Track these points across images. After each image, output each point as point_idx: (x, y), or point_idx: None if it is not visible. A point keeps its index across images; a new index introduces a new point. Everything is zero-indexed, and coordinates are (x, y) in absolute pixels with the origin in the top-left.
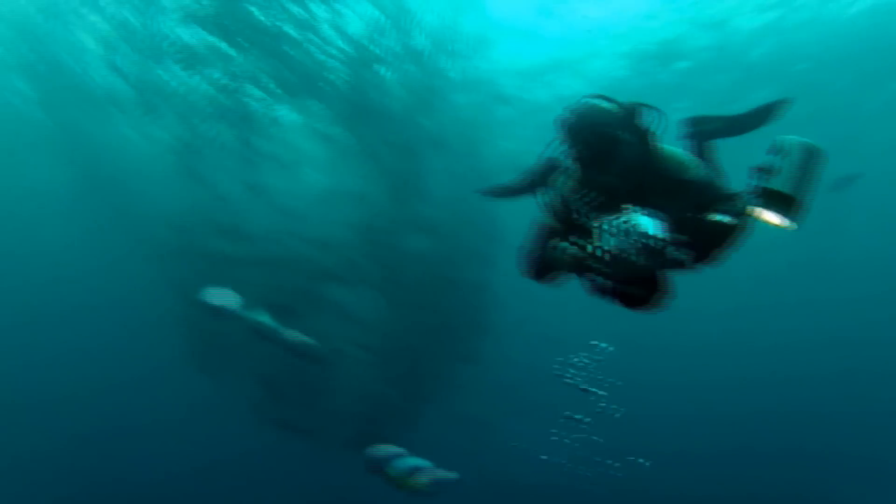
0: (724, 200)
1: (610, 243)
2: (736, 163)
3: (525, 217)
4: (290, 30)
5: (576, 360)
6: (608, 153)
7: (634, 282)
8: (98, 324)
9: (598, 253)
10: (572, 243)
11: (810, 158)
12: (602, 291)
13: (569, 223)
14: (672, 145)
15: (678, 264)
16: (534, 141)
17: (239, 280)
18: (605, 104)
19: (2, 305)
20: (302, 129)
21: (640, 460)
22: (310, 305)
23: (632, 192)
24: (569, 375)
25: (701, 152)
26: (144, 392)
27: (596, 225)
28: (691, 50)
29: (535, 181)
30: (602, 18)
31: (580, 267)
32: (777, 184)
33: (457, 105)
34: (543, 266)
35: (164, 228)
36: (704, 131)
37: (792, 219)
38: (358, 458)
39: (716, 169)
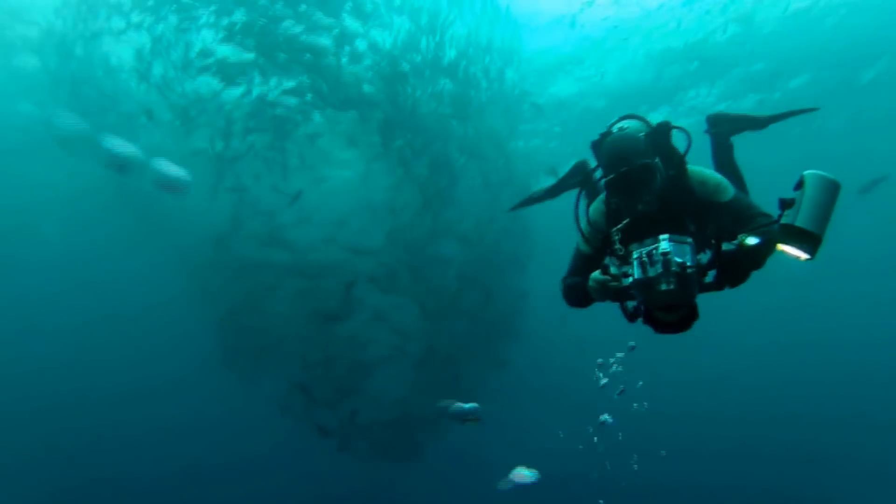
0: (751, 221)
1: (641, 272)
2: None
3: (557, 223)
4: (325, 42)
5: (609, 360)
6: (641, 182)
7: (666, 307)
8: (138, 330)
9: (629, 282)
10: (605, 273)
11: (829, 193)
12: (635, 316)
13: (603, 250)
14: (701, 166)
15: (707, 288)
16: (561, 137)
17: (275, 286)
18: (635, 127)
19: (45, 314)
20: (337, 140)
21: (663, 452)
22: (348, 311)
23: (664, 217)
24: (601, 376)
25: (720, 150)
26: (180, 393)
27: (627, 253)
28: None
29: (561, 188)
30: (625, 16)
31: (615, 295)
32: (795, 218)
33: (488, 113)
34: (582, 296)
35: (201, 238)
36: (725, 128)
37: (808, 253)
38: (385, 465)
39: (736, 174)
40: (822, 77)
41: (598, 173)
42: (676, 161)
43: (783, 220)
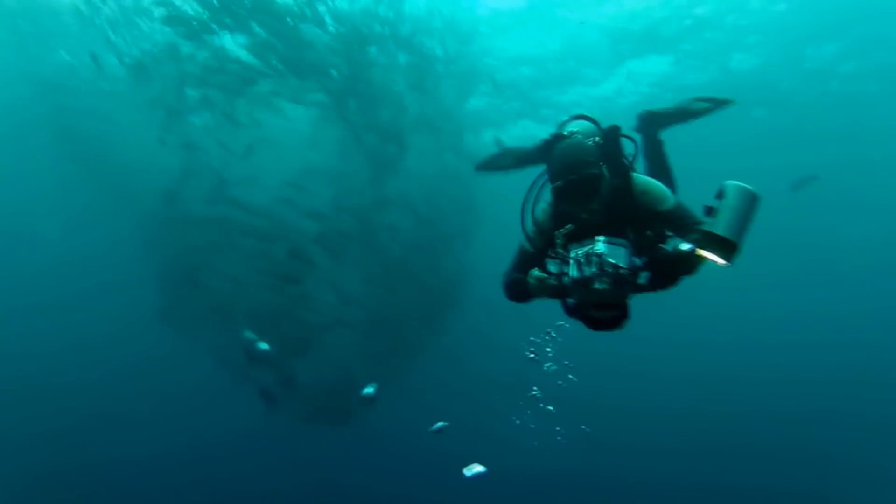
0: (686, 229)
1: (577, 272)
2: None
3: (504, 197)
4: (285, 3)
5: (540, 338)
6: (588, 191)
7: (600, 306)
8: (75, 282)
9: (566, 281)
10: (544, 271)
11: (747, 203)
12: (572, 313)
13: (546, 250)
14: (644, 175)
15: (640, 289)
16: (512, 117)
17: (221, 245)
18: (586, 131)
19: None
20: (289, 102)
21: (583, 426)
22: (293, 274)
23: (606, 223)
24: (532, 350)
25: (651, 147)
26: (117, 346)
27: (566, 253)
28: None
29: (528, 161)
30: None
31: (553, 292)
32: (714, 226)
33: (443, 89)
34: (523, 291)
35: (147, 191)
36: (655, 127)
37: (725, 259)
38: (321, 429)
39: (668, 174)
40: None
41: (547, 176)
42: (622, 170)
43: (703, 228)
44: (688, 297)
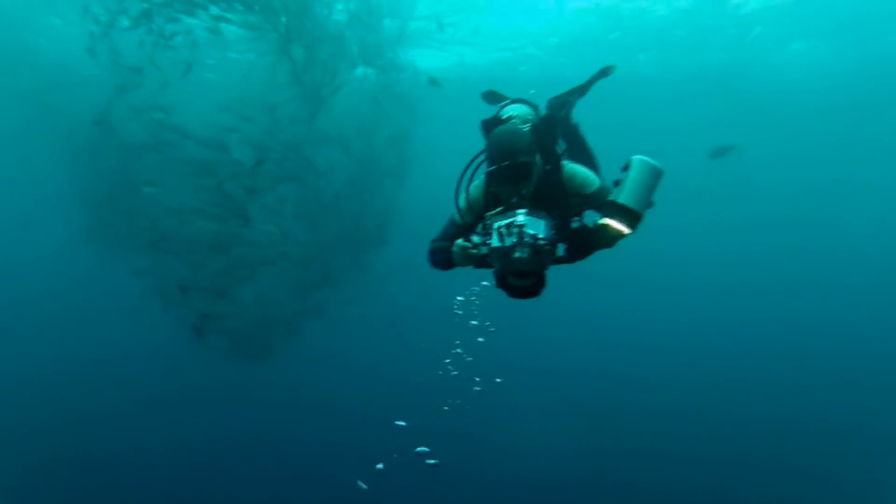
0: (601, 205)
1: (499, 241)
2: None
3: (438, 140)
4: None
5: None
6: (521, 176)
7: (519, 274)
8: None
9: (486, 250)
10: (467, 241)
11: (650, 176)
12: (496, 282)
13: (474, 225)
14: (573, 163)
15: (559, 261)
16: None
17: (151, 172)
18: (523, 115)
19: None
20: (230, 28)
21: (498, 380)
22: (223, 207)
23: (535, 206)
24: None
25: (568, 131)
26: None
27: (490, 224)
28: None
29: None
30: None
31: (475, 261)
32: (617, 196)
33: (384, 26)
34: (446, 259)
35: (79, 109)
36: (565, 109)
37: (628, 226)
38: (242, 363)
39: (587, 152)
40: None
41: (484, 158)
42: (554, 157)
43: (609, 198)
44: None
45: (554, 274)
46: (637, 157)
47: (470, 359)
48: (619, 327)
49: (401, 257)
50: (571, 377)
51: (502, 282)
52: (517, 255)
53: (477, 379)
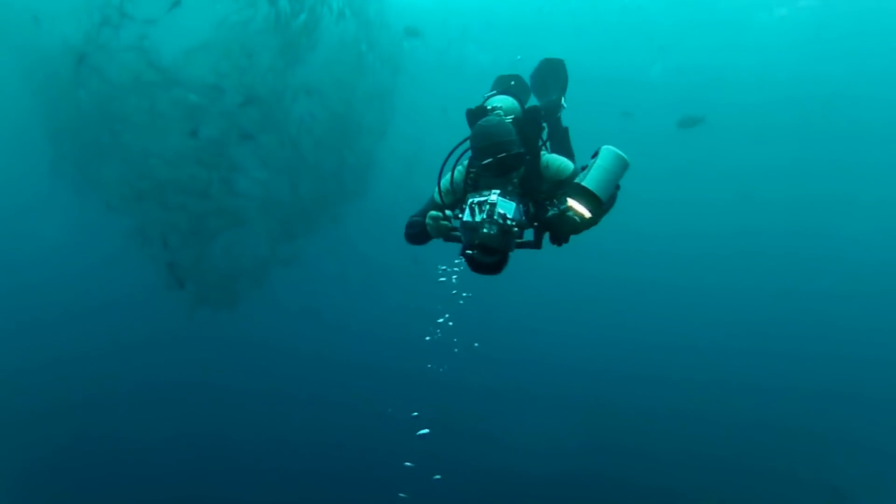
0: (567, 188)
1: (470, 216)
2: None
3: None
4: None
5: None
6: (513, 167)
7: (485, 250)
8: None
9: (456, 224)
10: (439, 211)
11: (615, 164)
12: (462, 254)
13: (454, 206)
14: (551, 153)
15: (525, 245)
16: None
17: (129, 116)
18: (507, 107)
19: None
20: None
21: (476, 344)
22: (197, 157)
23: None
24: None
25: (560, 133)
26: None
27: (466, 200)
28: None
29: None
30: None
31: (446, 233)
32: (581, 179)
33: None
34: (421, 232)
35: (57, 48)
36: (556, 113)
37: (589, 209)
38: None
39: (568, 150)
40: None
41: (470, 144)
42: (534, 148)
43: (574, 181)
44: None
45: (560, 270)
46: (606, 147)
47: (447, 320)
48: (621, 324)
49: (378, 212)
50: (574, 373)
51: (467, 256)
52: (485, 230)
53: (455, 340)
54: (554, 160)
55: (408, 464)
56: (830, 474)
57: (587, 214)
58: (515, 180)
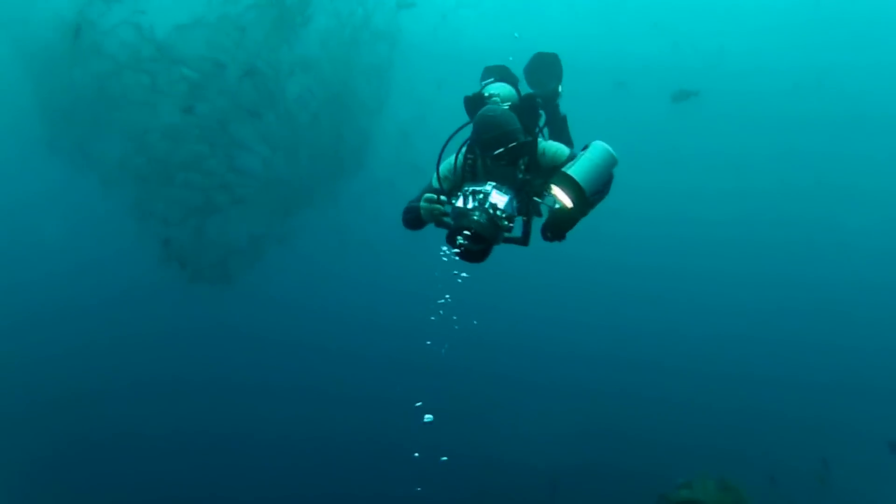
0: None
1: (463, 202)
2: None
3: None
4: None
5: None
6: (521, 156)
7: (474, 237)
8: None
9: (448, 209)
10: (433, 194)
11: (603, 159)
12: (448, 239)
13: (452, 192)
14: (548, 140)
15: (512, 241)
16: None
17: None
18: (505, 95)
19: None
20: None
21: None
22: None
23: (507, 177)
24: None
25: (558, 121)
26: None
27: (462, 188)
28: None
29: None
30: None
31: (438, 216)
32: (568, 168)
33: None
34: (416, 217)
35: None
36: (553, 101)
37: (570, 197)
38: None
39: (567, 138)
40: None
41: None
42: (532, 134)
43: (561, 169)
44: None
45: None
46: (597, 142)
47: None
48: (619, 310)
49: (374, 188)
50: (572, 359)
51: (452, 239)
52: (475, 217)
53: (454, 318)
54: (550, 147)
55: (416, 454)
56: (818, 457)
57: (569, 203)
58: (523, 167)
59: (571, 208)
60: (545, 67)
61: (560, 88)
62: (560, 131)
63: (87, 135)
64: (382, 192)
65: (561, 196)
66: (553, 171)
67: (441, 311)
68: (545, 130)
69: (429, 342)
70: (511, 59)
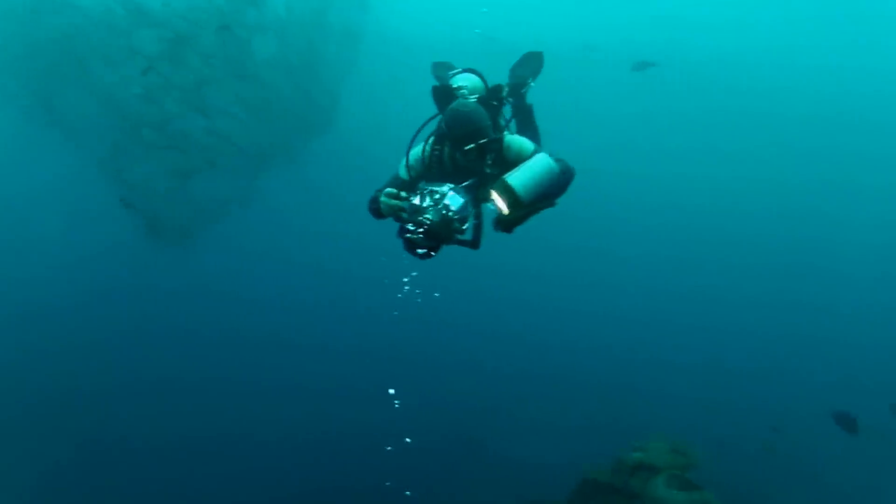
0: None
1: (418, 201)
2: None
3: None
4: None
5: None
6: (491, 150)
7: (426, 234)
8: None
9: (406, 205)
10: (393, 189)
11: (544, 169)
12: (399, 233)
13: (417, 182)
14: (515, 134)
15: (463, 243)
16: None
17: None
18: (472, 86)
19: None
20: None
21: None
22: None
23: (475, 171)
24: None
25: (525, 111)
26: None
27: (421, 187)
28: None
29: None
30: None
31: (395, 212)
32: (508, 175)
33: None
34: (377, 208)
35: None
36: (520, 90)
37: (506, 204)
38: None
39: (533, 128)
40: None
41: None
42: (499, 129)
43: (502, 176)
44: None
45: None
46: (542, 153)
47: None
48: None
49: (342, 149)
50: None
51: (403, 235)
52: (428, 216)
53: (417, 291)
54: (516, 141)
55: (388, 448)
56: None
57: (505, 210)
58: (490, 161)
59: (507, 214)
60: (527, 62)
61: (532, 81)
62: (527, 122)
63: (53, 90)
64: (350, 153)
65: (499, 202)
66: (517, 164)
67: (406, 288)
68: (512, 123)
69: (396, 312)
70: (478, 31)
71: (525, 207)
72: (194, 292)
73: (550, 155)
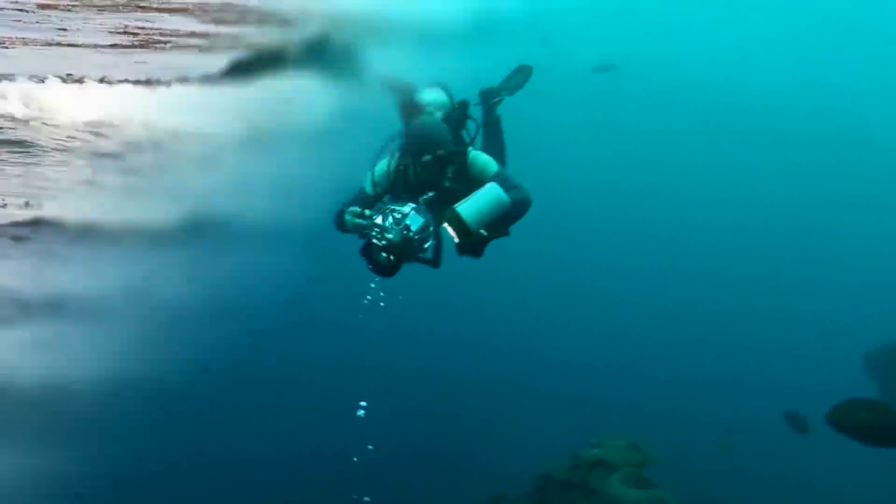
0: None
1: (381, 219)
2: None
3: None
4: None
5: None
6: (451, 164)
7: (388, 252)
8: None
9: (366, 223)
10: (357, 207)
11: (495, 199)
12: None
13: (382, 197)
14: (478, 149)
15: (424, 261)
16: None
17: None
18: (438, 103)
19: None
20: None
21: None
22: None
23: (437, 185)
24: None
25: (490, 123)
26: None
27: (382, 204)
28: None
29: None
30: None
31: (358, 229)
32: (459, 206)
33: None
34: (342, 222)
35: None
36: (493, 101)
37: (456, 233)
38: None
39: (500, 146)
40: None
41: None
42: (462, 144)
43: (453, 205)
44: None
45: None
46: (493, 183)
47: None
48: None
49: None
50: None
51: (366, 252)
52: (388, 235)
53: (372, 286)
54: (480, 158)
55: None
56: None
57: (456, 239)
58: (451, 175)
59: (458, 243)
60: (515, 76)
61: (506, 95)
62: (494, 133)
63: None
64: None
65: (450, 230)
66: (480, 183)
67: (369, 296)
68: (479, 136)
69: (360, 315)
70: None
71: (474, 236)
72: None
73: (510, 179)
